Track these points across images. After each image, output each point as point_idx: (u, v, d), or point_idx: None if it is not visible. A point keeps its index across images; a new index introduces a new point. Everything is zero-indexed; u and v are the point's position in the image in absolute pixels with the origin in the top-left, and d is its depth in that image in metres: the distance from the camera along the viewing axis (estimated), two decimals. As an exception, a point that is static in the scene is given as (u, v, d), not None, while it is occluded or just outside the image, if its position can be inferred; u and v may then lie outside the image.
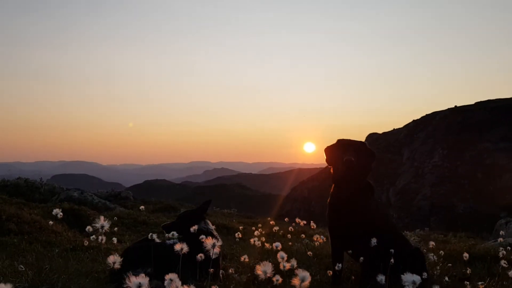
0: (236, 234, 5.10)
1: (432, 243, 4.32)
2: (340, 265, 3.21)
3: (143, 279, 1.59)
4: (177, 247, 2.36)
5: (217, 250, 2.45)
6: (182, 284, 1.80)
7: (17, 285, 2.76)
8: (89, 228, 3.73)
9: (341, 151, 3.36)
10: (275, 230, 5.86)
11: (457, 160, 35.88)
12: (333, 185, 3.48)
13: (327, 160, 3.51)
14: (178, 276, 1.83)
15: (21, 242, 5.00)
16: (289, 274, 2.68)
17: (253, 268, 3.51)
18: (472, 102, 43.06)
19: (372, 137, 50.41)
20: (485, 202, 30.01)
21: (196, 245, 2.87)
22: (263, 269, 1.89)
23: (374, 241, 2.97)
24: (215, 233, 3.57)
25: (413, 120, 46.94)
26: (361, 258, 3.23)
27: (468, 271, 3.86)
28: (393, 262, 3.00)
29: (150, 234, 3.39)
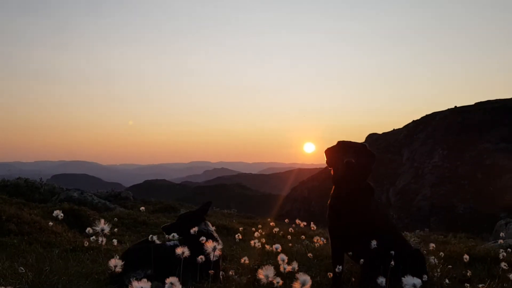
0: (236, 235, 5.10)
1: (432, 245, 4.32)
2: (340, 267, 3.21)
3: (145, 284, 1.58)
4: (178, 251, 2.36)
5: (217, 253, 2.45)
6: (183, 286, 1.80)
7: (17, 287, 2.76)
8: (89, 230, 3.73)
9: (342, 152, 3.36)
10: (275, 231, 5.86)
11: (457, 160, 35.89)
12: (333, 187, 3.48)
13: (327, 162, 3.51)
14: (179, 278, 1.83)
15: (21, 243, 4.99)
16: (289, 276, 2.68)
17: (253, 270, 3.51)
18: (472, 103, 43.12)
19: (372, 137, 50.43)
20: (485, 203, 30.02)
21: (197, 247, 2.87)
22: (265, 273, 1.88)
23: (374, 243, 2.97)
24: (215, 234, 3.57)
25: (413, 121, 46.95)
26: (361, 260, 3.23)
27: (468, 273, 3.86)
28: (393, 264, 3.00)
29: (151, 236, 3.39)
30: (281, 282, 2.31)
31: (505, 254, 4.18)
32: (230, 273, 3.49)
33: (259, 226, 6.35)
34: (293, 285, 1.83)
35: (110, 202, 12.66)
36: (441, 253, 4.55)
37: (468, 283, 3.39)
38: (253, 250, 4.31)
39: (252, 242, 3.99)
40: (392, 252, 3.08)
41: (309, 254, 4.34)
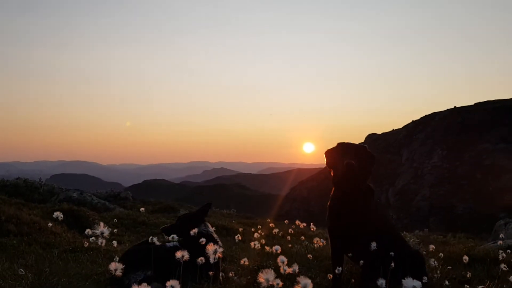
0: (236, 236, 5.10)
1: (432, 246, 4.31)
2: (340, 268, 3.21)
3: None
4: (178, 254, 2.36)
5: (218, 255, 2.45)
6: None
7: (17, 288, 2.76)
8: (88, 231, 3.72)
9: (342, 154, 3.36)
10: (275, 232, 5.86)
11: (457, 160, 35.91)
12: (333, 188, 3.48)
13: (327, 163, 3.51)
14: (179, 280, 1.83)
15: (21, 244, 4.98)
16: (289, 278, 2.68)
17: (253, 271, 3.51)
18: (472, 103, 43.16)
19: (372, 137, 50.47)
20: (484, 203, 30.04)
21: (196, 248, 2.87)
22: (266, 276, 1.88)
23: (374, 245, 2.97)
24: (215, 236, 3.56)
25: (412, 121, 46.98)
26: (361, 261, 3.23)
27: (468, 274, 3.86)
28: (393, 266, 3.00)
29: (151, 237, 3.38)
30: (281, 283, 2.32)
31: (504, 255, 4.18)
32: (230, 274, 3.49)
33: (259, 226, 6.34)
34: (294, 288, 1.83)
35: (109, 202, 12.66)
36: (440, 253, 4.55)
37: (467, 284, 3.39)
38: (253, 251, 4.31)
39: (252, 243, 3.98)
40: (392, 253, 3.09)
41: (309, 255, 4.34)
